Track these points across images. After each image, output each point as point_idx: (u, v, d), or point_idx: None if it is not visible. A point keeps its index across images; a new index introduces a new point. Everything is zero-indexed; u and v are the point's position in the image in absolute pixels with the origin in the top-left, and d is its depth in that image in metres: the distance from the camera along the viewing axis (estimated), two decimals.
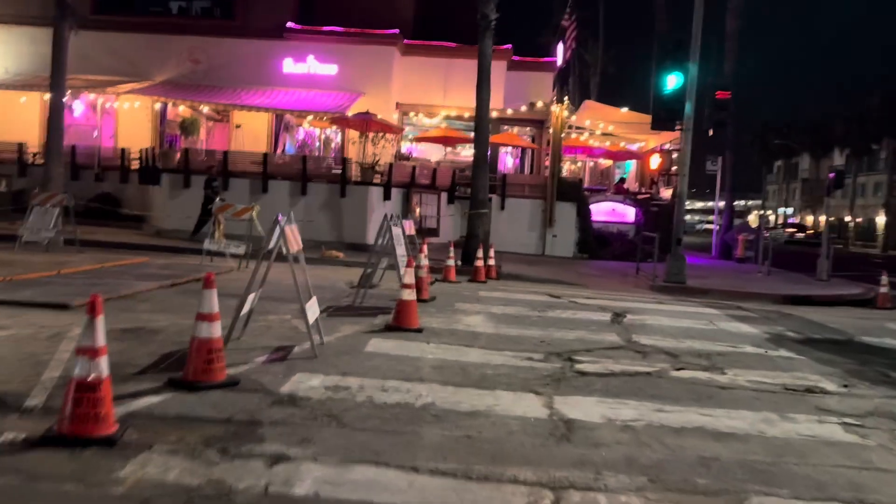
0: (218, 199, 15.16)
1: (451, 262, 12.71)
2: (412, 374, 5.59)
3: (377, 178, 18.14)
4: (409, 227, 11.22)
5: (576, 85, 43.17)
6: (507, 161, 28.41)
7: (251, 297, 6.22)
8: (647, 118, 23.17)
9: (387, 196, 18.12)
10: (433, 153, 25.65)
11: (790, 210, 77.01)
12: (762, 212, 78.43)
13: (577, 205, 20.33)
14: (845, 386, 6.24)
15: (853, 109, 56.11)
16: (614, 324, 8.88)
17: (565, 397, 5.21)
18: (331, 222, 17.79)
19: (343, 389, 5.01)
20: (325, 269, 13.51)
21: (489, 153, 25.26)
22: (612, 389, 5.54)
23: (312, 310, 6.22)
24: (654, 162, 15.51)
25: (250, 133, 22.13)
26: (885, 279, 14.02)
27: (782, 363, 7.10)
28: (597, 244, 20.50)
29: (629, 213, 22.24)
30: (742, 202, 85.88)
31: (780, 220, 75.67)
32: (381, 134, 18.36)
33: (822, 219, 69.64)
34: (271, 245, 5.98)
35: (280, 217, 5.98)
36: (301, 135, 25.75)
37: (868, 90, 54.83)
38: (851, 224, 62.86)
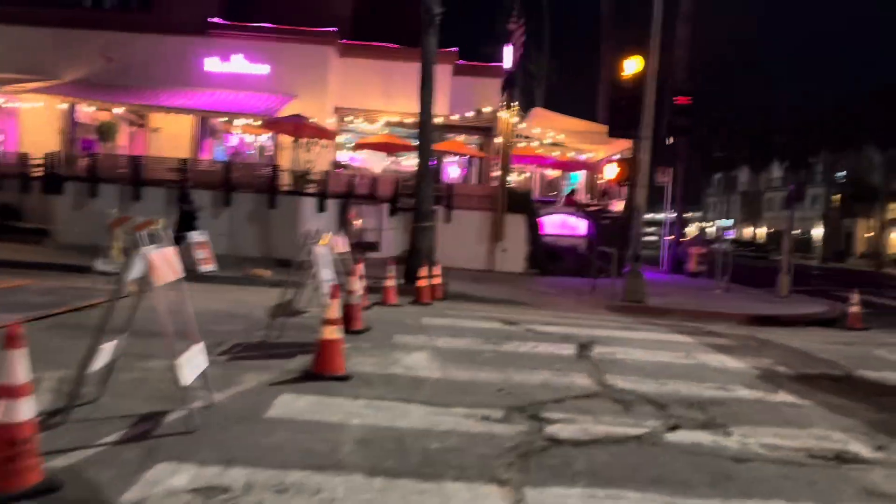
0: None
1: (390, 283, 11.18)
2: (327, 456, 4.03)
3: (311, 188, 16.50)
4: (341, 243, 9.65)
5: (521, 96, 42.26)
6: (453, 171, 27.10)
7: (110, 345, 4.57)
8: (599, 127, 22.29)
9: (321, 207, 16.49)
10: (376, 162, 24.10)
11: (730, 222, 78.19)
12: (704, 224, 79.56)
13: (528, 217, 19.09)
14: (880, 448, 4.98)
15: (792, 121, 57.12)
16: (582, 359, 7.50)
17: (540, 490, 3.74)
18: (258, 236, 16.04)
19: (220, 493, 3.42)
20: (247, 291, 11.81)
21: (434, 162, 23.95)
22: (600, 470, 4.10)
23: (194, 362, 4.60)
24: (611, 171, 14.37)
25: (170, 138, 20.13)
26: (856, 298, 13.14)
27: (791, 414, 5.82)
28: (548, 259, 19.29)
29: (580, 226, 21.15)
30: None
31: (720, 233, 76.79)
32: (315, 140, 16.74)
33: (762, 231, 70.90)
34: (131, 276, 4.35)
35: (142, 235, 4.33)
36: (234, 142, 23.84)
37: (806, 102, 55.90)
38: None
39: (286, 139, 19.16)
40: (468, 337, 8.32)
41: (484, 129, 22.34)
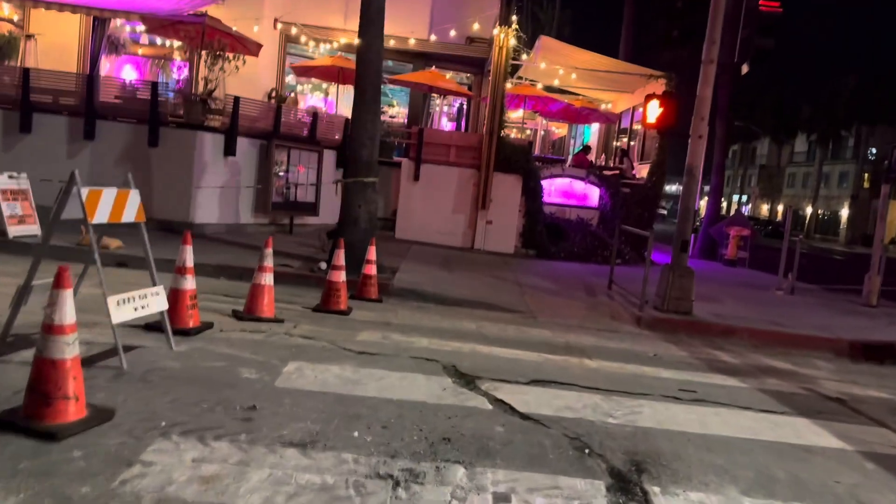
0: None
1: (263, 279, 6.23)
2: None
3: (214, 121, 11.48)
4: (128, 207, 4.69)
5: (528, 42, 36.93)
6: (443, 122, 21.86)
7: None
8: (627, 66, 17.04)
9: (230, 149, 11.51)
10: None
11: (745, 198, 72.98)
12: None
13: (524, 179, 14.15)
14: None
15: (825, 90, 51.64)
16: None
17: None
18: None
19: None
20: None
21: (416, 106, 18.78)
22: None
23: None
24: (652, 112, 9.47)
25: (53, 49, 15.02)
26: None
27: None
28: (549, 236, 14.40)
29: (593, 194, 16.12)
30: None
31: (734, 209, 71.69)
32: (222, 53, 11.58)
33: (780, 208, 65.74)
34: None
35: None
36: (183, 73, 18.61)
37: (844, 69, 50.26)
38: (809, 215, 58.84)
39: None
40: (348, 447, 3.45)
41: (476, 61, 17.19)
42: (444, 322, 7.19)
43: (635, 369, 6.01)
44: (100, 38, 15.24)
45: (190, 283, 5.25)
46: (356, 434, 3.61)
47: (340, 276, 7.07)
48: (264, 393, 4.10)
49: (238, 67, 11.35)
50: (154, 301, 4.59)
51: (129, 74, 17.09)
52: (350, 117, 9.70)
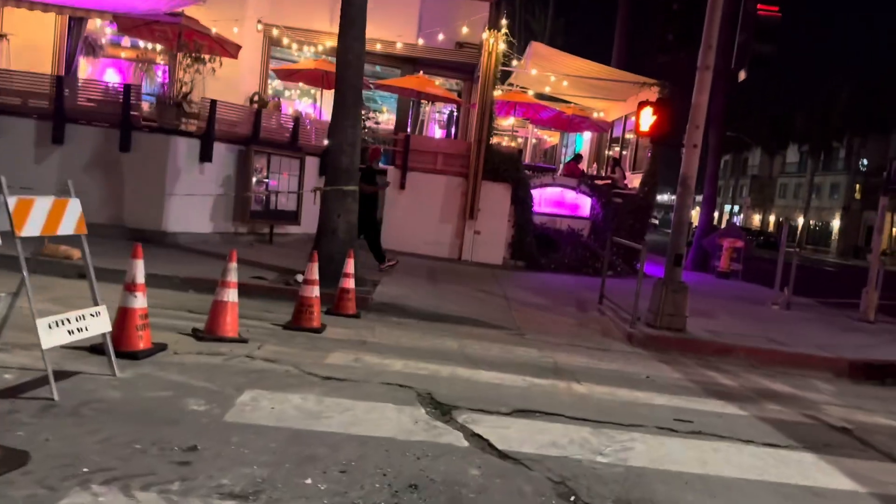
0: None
1: (226, 294, 5.76)
2: None
3: (191, 125, 11.01)
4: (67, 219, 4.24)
5: (520, 34, 36.77)
6: (434, 129, 21.48)
7: None
8: (619, 73, 16.77)
9: (206, 155, 11.03)
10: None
11: (736, 208, 72.90)
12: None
13: (514, 188, 13.74)
14: None
15: (819, 100, 51.61)
16: None
17: None
18: (104, 193, 10.58)
19: None
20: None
21: (405, 112, 18.36)
22: None
23: None
24: (645, 120, 9.10)
25: (28, 49, 14.52)
26: None
27: None
28: (538, 247, 13.99)
29: (584, 204, 15.74)
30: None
31: (726, 219, 71.59)
32: (204, 54, 11.15)
33: (772, 219, 65.74)
34: None
35: None
36: (165, 77, 18.14)
37: (841, 78, 50.19)
38: (800, 227, 58.72)
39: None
40: (298, 498, 2.99)
41: (466, 67, 16.78)
42: (425, 340, 6.75)
43: (627, 395, 5.59)
44: (76, 40, 14.77)
45: (140, 300, 4.78)
46: (309, 481, 3.16)
47: (313, 291, 6.62)
48: (210, 429, 3.64)
49: (214, 70, 10.90)
50: (94, 323, 4.13)
51: (111, 77, 16.63)
52: (330, 123, 9.25)
